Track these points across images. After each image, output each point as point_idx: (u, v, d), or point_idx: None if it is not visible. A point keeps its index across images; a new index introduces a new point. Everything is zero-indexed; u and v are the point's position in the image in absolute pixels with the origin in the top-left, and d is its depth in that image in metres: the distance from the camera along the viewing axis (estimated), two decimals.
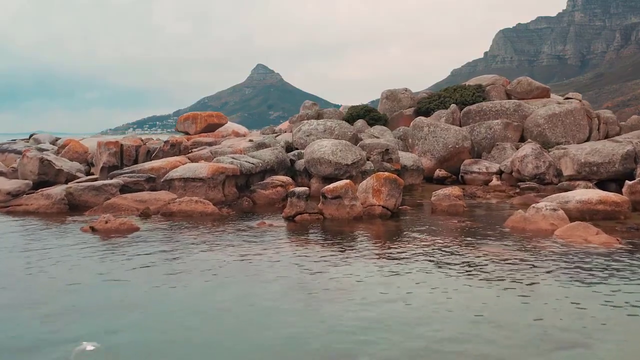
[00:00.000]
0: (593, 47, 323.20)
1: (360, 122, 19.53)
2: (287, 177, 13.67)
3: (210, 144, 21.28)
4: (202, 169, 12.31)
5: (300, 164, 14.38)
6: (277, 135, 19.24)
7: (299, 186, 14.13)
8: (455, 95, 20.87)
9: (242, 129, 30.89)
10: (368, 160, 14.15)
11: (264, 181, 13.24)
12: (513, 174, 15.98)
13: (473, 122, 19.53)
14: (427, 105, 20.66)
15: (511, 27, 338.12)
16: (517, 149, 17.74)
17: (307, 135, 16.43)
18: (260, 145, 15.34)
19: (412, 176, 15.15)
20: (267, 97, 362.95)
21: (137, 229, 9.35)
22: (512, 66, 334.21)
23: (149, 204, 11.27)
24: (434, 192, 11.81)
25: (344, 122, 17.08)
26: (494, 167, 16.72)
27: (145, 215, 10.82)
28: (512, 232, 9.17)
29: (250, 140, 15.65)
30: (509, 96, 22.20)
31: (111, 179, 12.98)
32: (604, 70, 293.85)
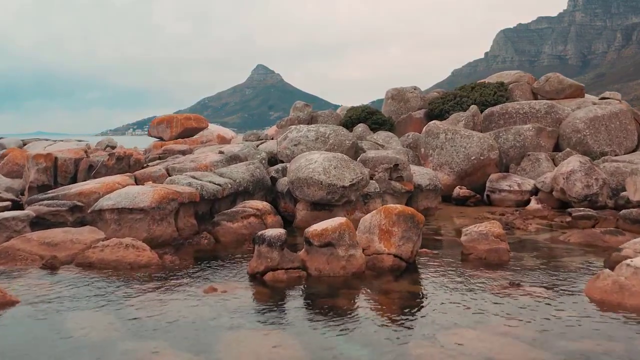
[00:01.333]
0: (594, 47, 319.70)
1: (361, 128, 16.08)
2: (264, 202, 10.22)
3: (184, 152, 17.87)
4: (143, 195, 8.85)
5: (283, 183, 10.94)
6: (261, 143, 15.80)
7: (282, 213, 10.68)
8: (474, 95, 17.41)
9: (228, 133, 27.51)
10: (372, 179, 10.70)
11: (233, 209, 9.77)
12: (554, 193, 12.53)
13: (496, 127, 16.09)
14: (440, 106, 17.21)
15: (512, 27, 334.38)
16: (553, 160, 14.32)
17: (295, 145, 12.98)
18: (233, 159, 11.88)
19: (427, 198, 11.69)
20: (267, 98, 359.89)
21: (13, 304, 5.90)
22: (512, 66, 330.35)
23: (60, 250, 7.81)
24: (464, 230, 8.34)
25: (340, 128, 13.61)
26: (528, 184, 13.27)
27: (50, 267, 7.38)
28: (603, 308, 5.71)
29: (221, 152, 12.18)
30: (534, 95, 18.77)
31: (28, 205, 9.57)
32: (605, 70, 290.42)
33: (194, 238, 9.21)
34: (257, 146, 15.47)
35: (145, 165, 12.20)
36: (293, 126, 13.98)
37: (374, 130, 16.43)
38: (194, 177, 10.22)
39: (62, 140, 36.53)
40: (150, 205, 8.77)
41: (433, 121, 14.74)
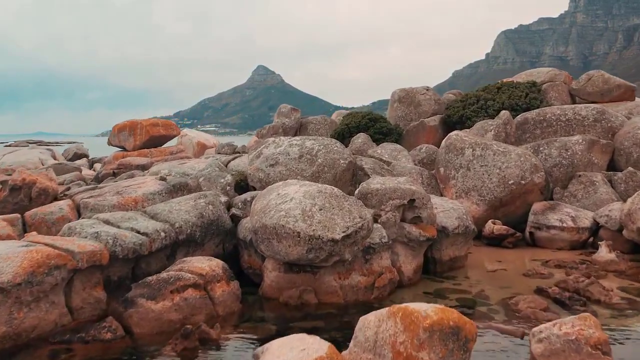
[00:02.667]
0: (595, 48, 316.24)
1: (361, 138, 12.55)
2: (212, 261, 6.64)
3: (144, 167, 14.38)
4: (6, 261, 5.36)
5: (247, 227, 7.39)
6: (234, 159, 12.27)
7: (245, 271, 7.22)
8: (501, 97, 13.87)
9: (210, 139, 23.92)
10: (376, 221, 7.18)
11: (162, 275, 6.22)
12: (626, 233, 9.01)
13: (531, 138, 12.58)
14: (460, 111, 13.67)
15: (513, 28, 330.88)
16: (611, 182, 10.85)
17: (271, 165, 9.46)
18: (179, 189, 8.32)
19: (455, 244, 8.15)
20: (267, 99, 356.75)
21: None
22: (513, 67, 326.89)
23: None
24: (535, 331, 4.80)
25: (333, 142, 10.04)
26: (586, 219, 9.76)
27: None
28: None
29: (162, 179, 8.60)
30: (572, 98, 15.25)
31: None
32: (606, 71, 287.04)
33: (94, 327, 5.69)
34: (227, 163, 11.96)
35: (61, 195, 8.65)
36: (271, 139, 10.43)
37: (377, 141, 12.91)
38: (108, 223, 6.68)
39: (26, 145, 32.97)
40: (14, 280, 5.26)
41: (455, 132, 11.19)
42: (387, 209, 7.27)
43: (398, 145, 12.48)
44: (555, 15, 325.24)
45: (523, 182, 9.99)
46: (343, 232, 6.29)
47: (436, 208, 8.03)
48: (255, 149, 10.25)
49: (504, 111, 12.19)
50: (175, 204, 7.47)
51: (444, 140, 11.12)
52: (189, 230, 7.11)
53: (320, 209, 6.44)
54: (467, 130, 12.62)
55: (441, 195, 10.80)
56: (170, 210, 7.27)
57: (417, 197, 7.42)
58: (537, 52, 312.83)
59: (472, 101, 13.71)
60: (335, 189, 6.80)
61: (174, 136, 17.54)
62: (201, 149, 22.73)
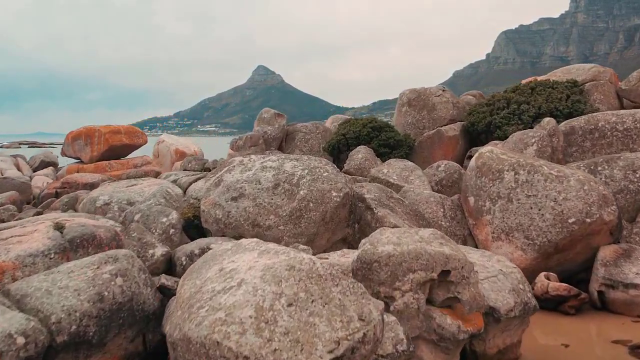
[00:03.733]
0: (596, 48, 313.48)
1: (362, 154, 9.65)
2: None
3: (93, 186, 11.73)
4: None
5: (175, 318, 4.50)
6: (198, 179, 9.35)
7: None
8: (538, 100, 10.95)
9: (191, 146, 20.99)
10: (388, 308, 4.32)
11: None
12: None
13: (579, 153, 9.72)
14: (486, 117, 10.76)
15: (513, 28, 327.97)
16: None
17: (234, 199, 6.56)
18: (79, 245, 5.38)
19: (508, 330, 5.27)
20: (268, 99, 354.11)
21: None
22: (514, 67, 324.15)
23: None
24: None
25: (322, 163, 7.11)
26: None
27: None
28: None
29: (58, 228, 5.67)
30: (620, 100, 12.38)
31: None
32: None
33: None
34: (188, 187, 9.08)
35: None
36: (238, 158, 7.52)
37: (382, 156, 10.01)
38: None
39: None
40: None
41: (488, 148, 8.25)
42: (406, 288, 4.38)
43: (409, 163, 9.57)
44: (556, 16, 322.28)
45: (588, 220, 7.09)
46: (330, 352, 3.40)
47: (481, 274, 5.13)
48: (216, 171, 7.38)
49: (548, 119, 9.27)
50: (64, 275, 4.58)
51: (473, 158, 8.20)
52: (74, 327, 4.22)
53: (290, 305, 3.55)
54: (500, 143, 9.74)
55: (470, 233, 7.93)
56: (50, 288, 4.38)
57: (454, 266, 4.51)
58: (537, 52, 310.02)
59: (500, 105, 10.78)
60: (318, 264, 3.89)
61: (140, 145, 14.69)
62: (180, 158, 19.85)
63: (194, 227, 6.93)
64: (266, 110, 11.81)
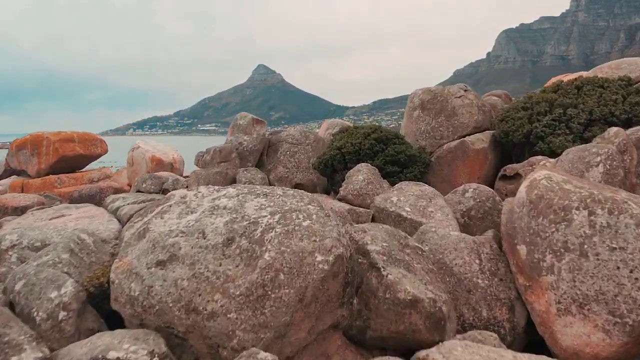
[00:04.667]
0: (597, 47, 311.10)
1: (363, 175, 7.14)
2: None
3: (24, 210, 9.25)
4: None
5: None
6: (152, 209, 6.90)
7: None
8: (587, 102, 8.44)
9: (169, 153, 18.43)
10: None
11: None
12: None
13: None
14: (525, 125, 8.21)
15: (514, 27, 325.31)
16: None
17: (160, 265, 4.09)
18: None
19: None
20: (268, 98, 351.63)
21: None
22: (515, 66, 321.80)
23: None
24: None
25: (304, 200, 4.57)
26: None
27: None
28: None
29: None
30: None
31: None
32: None
33: None
34: (126, 223, 6.61)
35: None
36: (180, 192, 5.00)
37: (390, 177, 7.51)
38: None
39: None
40: None
41: (544, 173, 5.74)
42: None
43: (427, 187, 7.08)
44: (557, 14, 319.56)
45: None
46: None
47: None
48: (143, 215, 4.90)
49: (616, 129, 6.77)
50: None
51: (522, 187, 5.69)
52: None
53: None
54: (544, 160, 7.25)
55: (519, 296, 5.44)
56: None
57: None
58: (538, 51, 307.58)
59: (541, 109, 8.27)
60: None
61: (98, 155, 12.23)
62: (157, 167, 17.37)
63: (99, 305, 4.45)
64: (242, 115, 9.29)
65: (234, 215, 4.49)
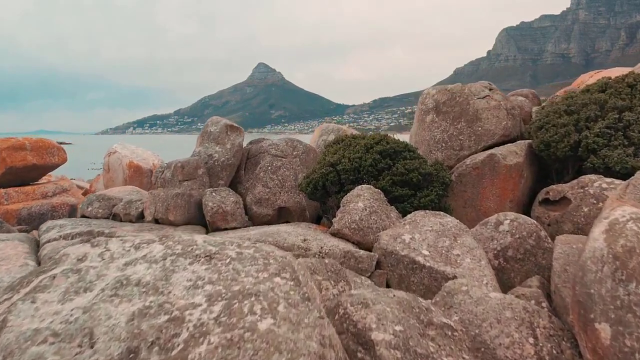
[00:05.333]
0: (597, 45, 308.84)
1: (364, 201, 5.36)
2: None
3: None
4: None
5: None
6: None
7: None
8: None
9: (149, 159, 16.68)
10: None
11: None
12: None
13: None
14: (571, 134, 6.38)
15: (515, 25, 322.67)
16: None
17: None
18: None
19: None
20: (268, 96, 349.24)
21: None
22: (515, 65, 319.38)
23: None
24: None
25: (269, 266, 2.76)
26: None
27: None
28: None
29: None
30: None
31: None
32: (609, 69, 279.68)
33: None
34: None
35: None
36: (74, 249, 3.16)
37: (399, 201, 5.69)
38: None
39: None
40: None
41: (629, 211, 3.94)
42: None
43: (449, 219, 5.26)
44: (557, 12, 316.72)
45: None
46: None
47: None
48: (11, 293, 3.03)
49: None
50: None
51: (598, 232, 3.86)
52: None
53: None
54: (613, 183, 5.45)
55: None
56: None
57: None
58: (539, 49, 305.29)
59: (591, 113, 6.45)
60: None
61: (55, 165, 10.41)
62: (135, 175, 15.58)
63: None
64: (214, 121, 7.42)
65: (150, 300, 2.67)
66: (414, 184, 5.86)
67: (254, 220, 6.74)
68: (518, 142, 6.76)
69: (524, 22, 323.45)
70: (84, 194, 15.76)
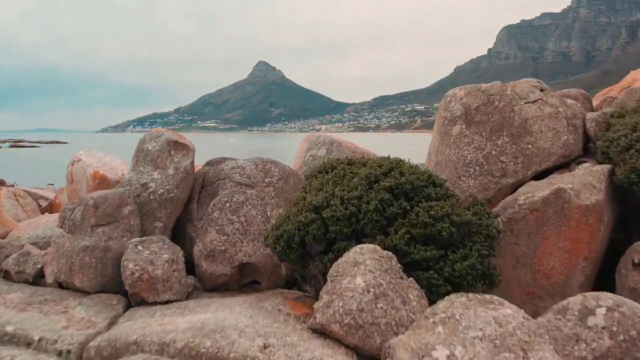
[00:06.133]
0: (598, 44, 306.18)
1: (366, 275, 3.25)
2: None
3: None
4: None
5: None
6: None
7: None
8: None
9: (118, 167, 14.25)
10: None
11: None
12: None
13: None
14: None
15: (515, 23, 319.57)
16: None
17: None
18: None
19: None
20: (268, 95, 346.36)
21: None
22: (516, 63, 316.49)
23: None
24: None
25: None
26: None
27: None
28: None
29: None
30: None
31: None
32: (610, 67, 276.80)
33: None
34: None
35: None
36: None
37: (424, 272, 3.48)
38: None
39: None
40: None
41: None
42: None
43: (510, 310, 3.09)
44: (558, 11, 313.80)
45: None
46: None
47: None
48: None
49: None
50: None
51: None
52: None
53: None
54: None
55: None
56: None
57: None
58: (539, 48, 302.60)
59: None
60: None
61: None
62: (100, 186, 13.36)
63: None
64: (152, 135, 5.16)
65: None
66: (443, 240, 3.69)
67: (204, 282, 4.58)
68: (593, 168, 4.57)
69: (525, 20, 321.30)
70: (45, 210, 13.36)
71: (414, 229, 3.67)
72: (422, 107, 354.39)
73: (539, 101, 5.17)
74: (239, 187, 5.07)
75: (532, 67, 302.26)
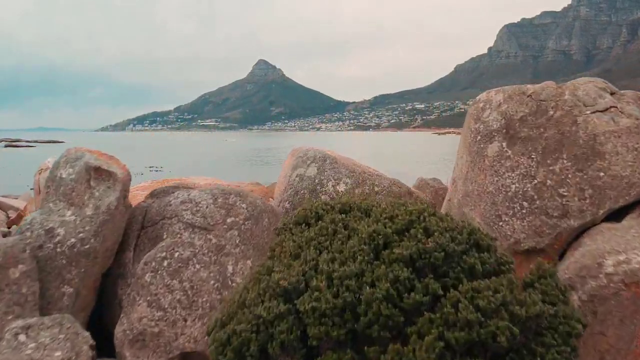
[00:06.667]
0: (599, 42, 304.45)
1: None
2: None
3: None
4: None
5: None
6: None
7: None
8: None
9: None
10: None
11: None
12: None
13: None
14: None
15: (515, 22, 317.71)
16: None
17: None
18: None
19: None
20: (268, 93, 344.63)
21: None
22: (516, 62, 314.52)
23: None
24: None
25: None
26: None
27: None
28: None
29: None
30: None
31: None
32: (611, 66, 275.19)
33: None
34: None
35: None
36: None
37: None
38: None
39: None
40: None
41: None
42: None
43: None
44: (559, 9, 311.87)
45: None
46: None
47: None
48: None
49: None
50: None
51: None
52: None
53: None
54: None
55: None
56: None
57: None
58: (540, 46, 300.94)
59: None
60: None
61: None
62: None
63: None
64: (70, 157, 3.59)
65: None
66: (497, 347, 2.18)
67: None
68: None
69: (525, 19, 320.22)
70: (13, 222, 11.71)
71: (450, 332, 2.17)
72: (422, 106, 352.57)
73: (612, 109, 3.67)
74: (188, 231, 3.56)
75: (532, 66, 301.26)
